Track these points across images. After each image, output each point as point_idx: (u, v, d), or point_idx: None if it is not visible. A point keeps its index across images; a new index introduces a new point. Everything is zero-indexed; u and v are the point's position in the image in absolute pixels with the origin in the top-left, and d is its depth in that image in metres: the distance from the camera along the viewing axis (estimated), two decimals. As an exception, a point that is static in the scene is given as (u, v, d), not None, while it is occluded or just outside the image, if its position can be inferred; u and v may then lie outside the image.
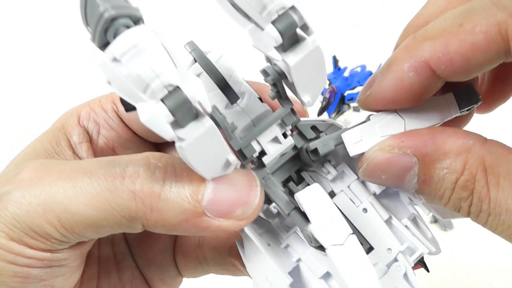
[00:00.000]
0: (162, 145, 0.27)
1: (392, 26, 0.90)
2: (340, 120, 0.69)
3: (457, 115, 0.20)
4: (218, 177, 0.19)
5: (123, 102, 0.18)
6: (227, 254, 0.26)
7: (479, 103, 0.20)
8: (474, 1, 0.18)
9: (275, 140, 0.21)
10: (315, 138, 0.22)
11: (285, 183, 0.22)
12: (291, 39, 0.18)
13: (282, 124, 0.21)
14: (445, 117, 0.20)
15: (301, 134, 0.22)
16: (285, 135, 0.21)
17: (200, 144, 0.17)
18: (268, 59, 0.20)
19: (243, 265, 0.23)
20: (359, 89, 0.56)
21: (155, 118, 0.16)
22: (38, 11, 0.86)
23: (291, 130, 0.22)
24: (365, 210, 0.22)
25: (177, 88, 0.16)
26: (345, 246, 0.18)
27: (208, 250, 0.27)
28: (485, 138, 0.18)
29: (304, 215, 0.19)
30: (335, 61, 0.60)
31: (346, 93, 0.57)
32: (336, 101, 0.57)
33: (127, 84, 0.15)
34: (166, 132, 0.16)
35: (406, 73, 0.18)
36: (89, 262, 0.24)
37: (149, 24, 0.16)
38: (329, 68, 0.59)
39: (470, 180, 0.17)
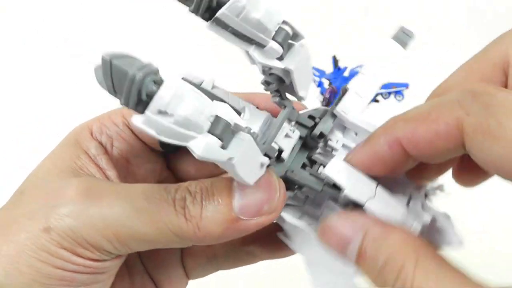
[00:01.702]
0: (170, 154, 0.29)
1: (392, 26, 0.90)
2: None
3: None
4: (241, 185, 0.22)
5: (164, 146, 0.21)
6: (240, 244, 0.29)
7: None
8: (447, 95, 0.20)
9: (287, 136, 0.25)
10: (314, 125, 0.26)
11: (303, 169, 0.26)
12: (286, 48, 0.22)
13: (288, 121, 0.25)
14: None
15: (301, 125, 0.26)
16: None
17: (244, 156, 0.20)
18: (264, 71, 0.24)
19: (261, 249, 0.28)
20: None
21: (209, 148, 0.18)
22: (38, 12, 0.86)
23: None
24: None
25: (217, 116, 0.19)
26: (377, 197, 0.22)
27: (219, 246, 0.29)
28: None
29: (334, 186, 0.23)
30: (335, 61, 0.60)
31: (346, 93, 0.57)
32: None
33: (177, 129, 0.18)
34: (222, 156, 0.19)
35: (381, 146, 0.21)
36: None
37: (170, 72, 0.18)
38: (329, 68, 0.59)
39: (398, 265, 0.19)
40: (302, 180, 0.24)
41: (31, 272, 0.21)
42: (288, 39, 0.21)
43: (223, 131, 0.18)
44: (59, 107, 0.72)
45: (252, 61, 0.22)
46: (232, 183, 0.22)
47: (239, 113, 0.24)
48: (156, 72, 0.18)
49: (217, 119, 0.18)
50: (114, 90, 0.18)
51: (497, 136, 0.17)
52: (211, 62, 0.76)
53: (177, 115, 0.17)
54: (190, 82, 0.23)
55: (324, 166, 0.24)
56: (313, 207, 0.25)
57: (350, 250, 0.20)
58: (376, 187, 0.22)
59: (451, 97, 0.20)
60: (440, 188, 0.27)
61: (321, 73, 0.59)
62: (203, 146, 0.18)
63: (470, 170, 0.24)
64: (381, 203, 0.22)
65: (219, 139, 0.18)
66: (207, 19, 0.20)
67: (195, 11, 0.20)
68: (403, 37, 0.26)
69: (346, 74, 0.59)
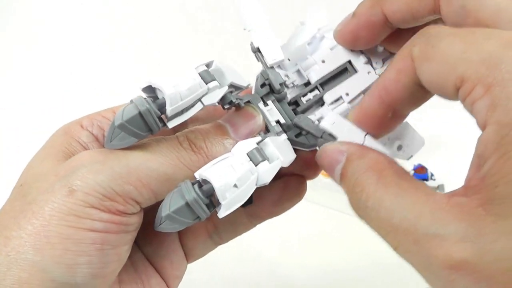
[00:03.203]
0: None
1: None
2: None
3: None
4: (229, 120, 0.27)
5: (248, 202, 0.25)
6: (242, 209, 0.30)
7: None
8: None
9: (269, 111, 0.29)
10: (270, 85, 0.29)
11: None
12: (214, 75, 0.25)
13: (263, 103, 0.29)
14: None
15: (268, 94, 0.29)
16: (266, 104, 0.29)
17: (281, 150, 0.26)
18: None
19: (261, 208, 0.30)
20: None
21: (268, 171, 0.24)
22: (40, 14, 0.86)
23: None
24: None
25: (249, 154, 0.25)
26: (365, 143, 0.24)
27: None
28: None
29: (330, 135, 0.26)
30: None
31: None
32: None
33: (246, 189, 0.23)
34: (276, 166, 0.25)
35: (365, 8, 0.26)
36: None
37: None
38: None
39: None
40: (306, 127, 0.27)
41: (61, 241, 0.21)
42: (209, 72, 0.25)
43: (261, 155, 0.24)
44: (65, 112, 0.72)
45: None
46: (220, 122, 0.27)
47: (244, 87, 0.27)
48: (193, 183, 0.23)
49: (251, 154, 0.24)
50: (194, 219, 0.23)
51: (431, 58, 0.20)
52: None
53: (235, 180, 0.23)
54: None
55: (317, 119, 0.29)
56: None
57: (336, 171, 0.23)
58: (365, 135, 0.25)
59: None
60: (440, 188, 0.28)
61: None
62: (264, 173, 0.24)
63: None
64: (370, 144, 0.25)
65: (264, 160, 0.24)
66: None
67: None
68: None
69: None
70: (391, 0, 0.24)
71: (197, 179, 0.23)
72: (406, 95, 0.23)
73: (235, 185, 0.23)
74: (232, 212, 0.28)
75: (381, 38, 0.27)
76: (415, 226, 0.18)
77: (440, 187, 0.68)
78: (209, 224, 0.31)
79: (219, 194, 0.22)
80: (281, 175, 0.30)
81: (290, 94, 0.29)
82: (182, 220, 0.22)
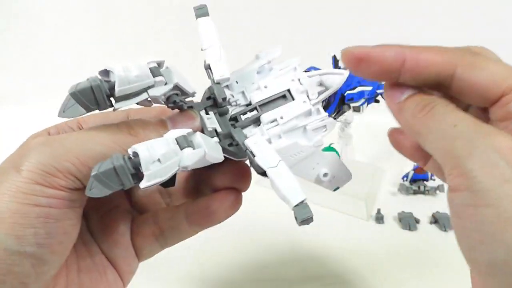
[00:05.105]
0: None
1: (392, 26, 0.90)
2: (340, 120, 0.69)
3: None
4: (171, 119, 0.30)
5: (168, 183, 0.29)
6: (184, 218, 0.34)
7: None
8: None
9: (209, 119, 0.32)
10: (214, 99, 0.32)
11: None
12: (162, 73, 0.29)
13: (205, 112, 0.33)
14: None
15: (211, 106, 0.33)
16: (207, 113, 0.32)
17: (207, 145, 0.28)
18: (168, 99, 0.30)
19: (202, 221, 0.33)
20: (359, 89, 0.56)
21: (190, 155, 0.26)
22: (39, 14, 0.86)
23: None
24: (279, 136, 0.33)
25: (176, 139, 0.27)
26: (278, 167, 0.28)
27: (164, 222, 0.34)
28: None
29: (251, 152, 0.30)
30: (335, 61, 0.59)
31: (346, 93, 0.57)
32: (336, 101, 0.57)
33: (166, 164, 0.25)
34: (200, 153, 0.26)
35: (389, 51, 0.27)
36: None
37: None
38: (329, 68, 0.59)
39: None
40: (237, 138, 0.31)
41: (10, 215, 0.24)
42: (159, 69, 0.28)
43: (187, 142, 0.26)
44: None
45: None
46: (162, 118, 0.30)
47: (190, 94, 0.31)
48: (121, 153, 0.25)
49: (179, 139, 0.26)
50: (120, 184, 0.25)
51: (483, 68, 0.24)
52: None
53: (159, 155, 0.25)
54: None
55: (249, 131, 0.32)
56: None
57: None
58: (279, 161, 0.29)
59: (453, 48, 0.26)
60: (440, 188, 0.29)
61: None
62: (187, 156, 0.26)
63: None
64: (279, 173, 0.28)
65: (189, 147, 0.26)
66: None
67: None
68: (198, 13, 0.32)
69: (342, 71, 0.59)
70: (421, 56, 0.26)
71: (129, 154, 0.26)
72: (425, 78, 0.26)
73: (159, 160, 0.25)
74: (173, 218, 0.34)
75: (380, 78, 0.27)
76: None
77: (440, 187, 0.68)
78: (155, 228, 0.34)
79: (143, 164, 0.25)
80: (218, 189, 0.33)
81: (232, 111, 0.33)
82: (108, 183, 0.25)
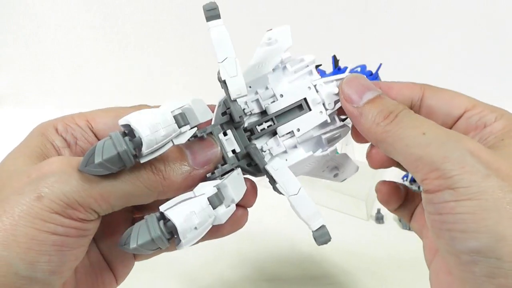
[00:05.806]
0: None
1: (392, 25, 0.90)
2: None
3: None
4: (189, 147, 0.30)
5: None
6: None
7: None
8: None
9: (227, 140, 0.32)
10: (230, 114, 0.32)
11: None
12: (184, 118, 0.28)
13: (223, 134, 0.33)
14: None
15: (226, 123, 0.32)
16: (225, 134, 0.32)
17: (234, 187, 0.30)
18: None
19: (208, 236, 0.32)
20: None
21: (227, 214, 0.29)
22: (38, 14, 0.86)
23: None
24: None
25: (209, 198, 0.28)
26: (298, 195, 0.30)
27: None
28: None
29: (271, 177, 0.31)
30: (335, 61, 0.59)
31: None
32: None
33: (205, 229, 0.28)
34: (232, 209, 0.29)
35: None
36: None
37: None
38: (329, 68, 0.59)
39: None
40: (254, 158, 0.31)
41: (26, 240, 0.24)
42: (184, 116, 0.28)
43: (219, 200, 0.28)
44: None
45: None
46: (182, 148, 0.29)
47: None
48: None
49: (211, 198, 0.28)
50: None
51: (448, 90, 0.30)
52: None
53: (196, 224, 0.27)
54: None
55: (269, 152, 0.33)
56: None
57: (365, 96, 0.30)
58: (300, 188, 0.30)
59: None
60: None
61: (322, 73, 0.59)
62: (221, 216, 0.28)
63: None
64: (300, 200, 0.30)
65: (221, 204, 0.28)
66: None
67: None
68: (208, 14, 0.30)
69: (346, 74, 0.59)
70: (394, 85, 0.31)
71: (161, 211, 0.26)
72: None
73: (195, 228, 0.26)
74: None
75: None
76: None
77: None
78: None
79: (181, 235, 0.26)
80: None
81: (247, 121, 0.33)
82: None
